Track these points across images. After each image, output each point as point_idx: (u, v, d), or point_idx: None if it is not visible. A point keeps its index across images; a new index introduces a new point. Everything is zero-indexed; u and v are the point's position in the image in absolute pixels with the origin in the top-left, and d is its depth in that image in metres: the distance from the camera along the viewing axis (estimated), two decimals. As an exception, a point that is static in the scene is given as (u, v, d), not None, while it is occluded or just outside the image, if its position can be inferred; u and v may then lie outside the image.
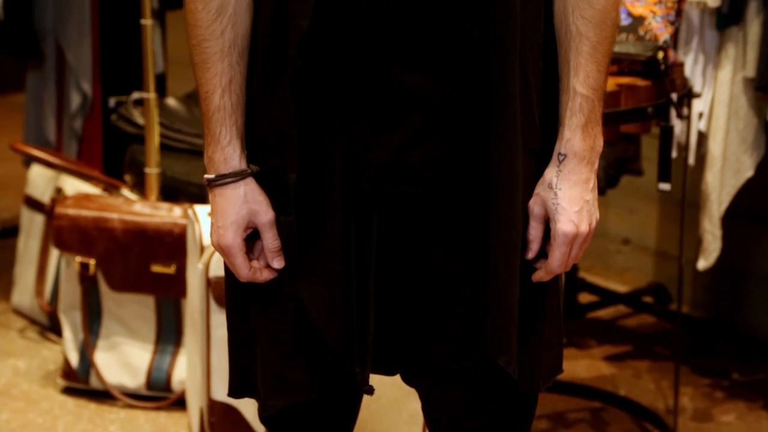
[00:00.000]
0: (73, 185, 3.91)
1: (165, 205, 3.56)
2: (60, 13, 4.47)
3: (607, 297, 4.26)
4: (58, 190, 3.94)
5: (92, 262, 3.53)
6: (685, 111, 3.28)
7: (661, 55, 3.19)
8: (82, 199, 3.62)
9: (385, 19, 1.78)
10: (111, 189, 3.86)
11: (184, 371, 3.52)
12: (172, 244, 3.48)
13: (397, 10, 1.77)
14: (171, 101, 4.15)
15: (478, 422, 1.91)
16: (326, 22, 1.78)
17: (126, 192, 3.86)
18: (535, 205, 1.86)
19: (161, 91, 4.56)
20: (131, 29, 4.11)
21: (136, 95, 4.03)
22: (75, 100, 4.51)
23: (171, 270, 3.48)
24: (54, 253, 3.92)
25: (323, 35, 1.79)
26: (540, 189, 1.86)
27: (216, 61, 1.86)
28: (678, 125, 3.37)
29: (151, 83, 3.68)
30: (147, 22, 3.66)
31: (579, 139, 1.83)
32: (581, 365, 3.90)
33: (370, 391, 1.92)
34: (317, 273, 1.85)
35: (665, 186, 3.25)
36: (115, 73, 4.53)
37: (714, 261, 3.59)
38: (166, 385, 3.58)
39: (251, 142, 1.89)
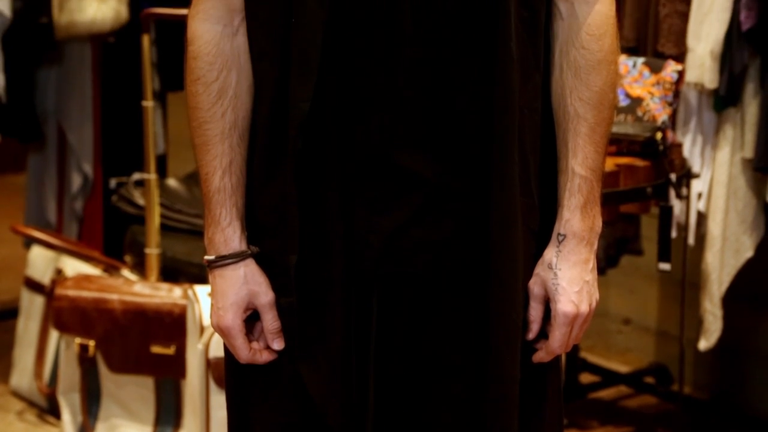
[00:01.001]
0: (73, 266, 3.91)
1: (165, 286, 3.56)
2: (62, 94, 4.50)
3: (609, 377, 4.24)
4: (59, 272, 3.94)
5: (92, 343, 3.52)
6: (684, 191, 3.29)
7: (659, 135, 3.21)
8: (82, 280, 3.62)
9: (384, 102, 1.79)
10: (111, 270, 3.86)
11: (183, 453, 3.49)
12: (172, 324, 3.47)
13: (396, 92, 1.79)
14: (172, 182, 4.17)
15: None
16: (326, 105, 1.80)
17: (126, 273, 3.86)
18: (535, 286, 1.86)
19: (162, 171, 4.58)
20: (133, 110, 4.14)
21: (136, 176, 4.05)
22: (76, 182, 4.53)
23: (171, 351, 3.47)
24: (53, 335, 3.91)
25: (323, 117, 1.80)
26: (540, 269, 1.86)
27: (217, 142, 1.87)
28: (677, 205, 3.37)
29: (152, 164, 3.70)
30: (148, 103, 3.68)
31: (578, 219, 1.84)
32: (583, 446, 3.88)
33: None
34: (318, 354, 1.84)
35: (665, 266, 3.25)
36: (116, 154, 4.55)
37: (715, 341, 3.58)
38: (165, 468, 3.55)
39: (251, 222, 1.90)
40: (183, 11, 2.84)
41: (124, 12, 4.28)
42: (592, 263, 1.86)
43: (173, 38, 4.40)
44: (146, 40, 3.64)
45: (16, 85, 4.14)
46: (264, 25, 1.84)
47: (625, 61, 3.30)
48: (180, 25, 2.06)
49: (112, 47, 4.50)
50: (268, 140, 1.84)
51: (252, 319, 1.90)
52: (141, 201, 4.04)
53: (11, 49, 4.00)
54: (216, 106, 1.86)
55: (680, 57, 3.58)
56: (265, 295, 1.87)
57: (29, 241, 4.16)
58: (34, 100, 4.38)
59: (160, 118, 4.59)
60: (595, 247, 1.86)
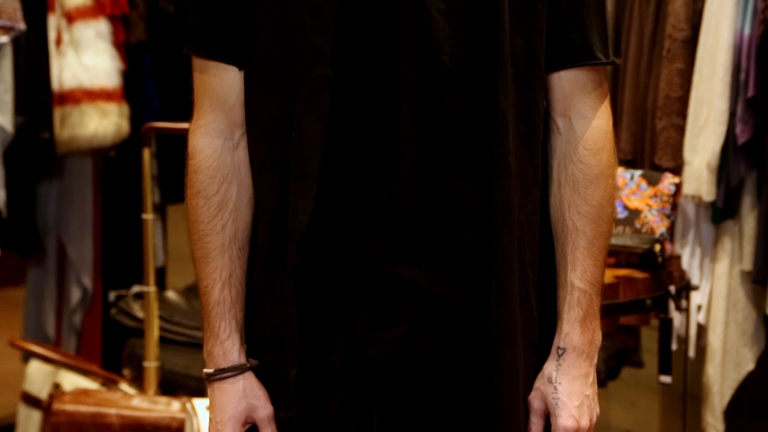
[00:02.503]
0: (71, 380, 3.88)
1: (163, 399, 3.53)
2: (62, 208, 4.51)
3: (611, 492, 4.20)
4: (56, 386, 3.91)
5: (89, 458, 3.49)
6: (683, 303, 3.28)
7: (658, 247, 3.21)
8: (80, 394, 3.60)
9: (383, 215, 1.80)
10: (109, 384, 3.84)
11: None
12: (170, 439, 3.44)
13: (395, 206, 1.80)
14: (171, 294, 4.16)
15: None
16: (326, 218, 1.80)
17: (125, 386, 3.84)
18: (535, 400, 1.85)
19: (161, 284, 4.58)
20: (133, 223, 4.15)
21: (136, 289, 4.04)
22: (75, 295, 4.53)
23: (168, 465, 3.44)
24: (50, 450, 3.88)
25: (323, 230, 1.81)
26: (540, 383, 1.85)
27: (216, 255, 1.87)
28: (677, 317, 3.37)
29: (151, 277, 3.70)
30: (148, 216, 3.69)
31: (578, 333, 1.84)
32: None
33: None
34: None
35: (666, 379, 3.24)
36: (115, 266, 4.55)
37: (718, 455, 3.55)
38: None
39: (251, 335, 1.89)
40: (184, 125, 2.86)
41: (125, 126, 4.32)
42: (592, 377, 1.85)
43: (174, 151, 4.43)
44: (147, 154, 3.66)
45: (17, 200, 4.16)
46: (264, 139, 1.85)
47: (622, 174, 3.32)
48: (181, 138, 2.08)
49: (113, 160, 4.53)
50: (268, 253, 1.85)
51: (251, 433, 1.88)
52: (140, 314, 4.03)
53: (12, 164, 4.02)
54: (216, 218, 1.87)
55: (677, 170, 3.61)
56: (263, 409, 1.86)
57: (27, 356, 4.14)
58: (34, 214, 4.39)
59: (160, 230, 4.60)
60: (595, 360, 1.86)
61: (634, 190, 3.32)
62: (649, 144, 3.73)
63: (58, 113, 4.16)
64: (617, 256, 3.25)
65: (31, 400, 4.02)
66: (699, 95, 3.57)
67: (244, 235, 1.89)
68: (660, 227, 3.24)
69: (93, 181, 4.52)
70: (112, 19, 4.26)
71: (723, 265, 3.54)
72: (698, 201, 3.56)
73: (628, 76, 3.78)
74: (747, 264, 3.49)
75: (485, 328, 1.80)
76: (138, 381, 3.87)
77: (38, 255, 4.54)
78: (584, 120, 1.86)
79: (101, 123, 4.25)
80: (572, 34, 1.84)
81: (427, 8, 1.76)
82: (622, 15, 3.80)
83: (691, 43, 3.62)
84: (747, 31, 3.48)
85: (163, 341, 3.86)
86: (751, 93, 3.47)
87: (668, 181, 3.33)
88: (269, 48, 1.82)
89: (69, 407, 3.53)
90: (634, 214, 3.26)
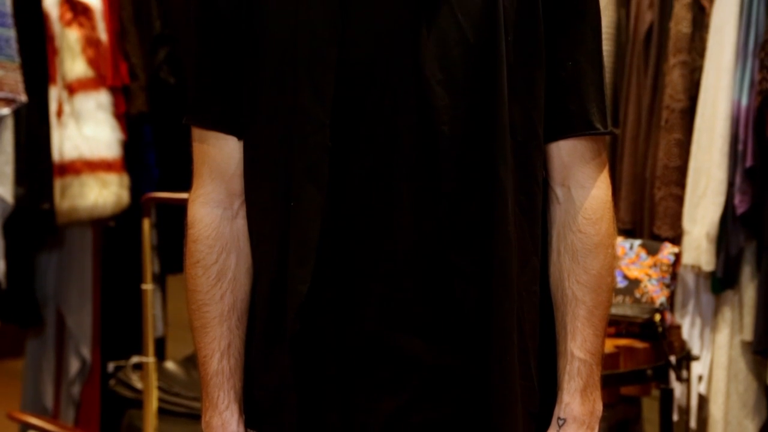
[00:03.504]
0: (69, 451, 3.86)
1: (161, 472, 3.51)
2: (62, 279, 4.51)
3: None
4: (54, 457, 3.89)
5: None
6: (684, 374, 3.27)
7: (658, 317, 3.21)
8: (78, 465, 3.57)
9: (381, 285, 1.80)
10: (107, 455, 3.81)
11: None
12: None
13: (394, 276, 1.79)
14: (170, 365, 4.15)
15: None
16: (324, 288, 1.80)
17: (122, 458, 3.81)
18: (536, 470, 1.84)
19: (160, 354, 4.56)
20: (132, 293, 4.14)
21: (135, 359, 4.03)
22: (74, 366, 4.51)
23: None
24: None
25: (321, 301, 1.80)
26: (541, 454, 1.84)
27: (215, 325, 1.87)
28: (678, 388, 3.36)
29: (151, 348, 3.69)
30: (148, 287, 3.69)
31: (578, 403, 1.83)
32: None
33: None
34: None
35: (668, 450, 3.22)
36: (114, 337, 4.54)
37: None
38: None
39: (249, 405, 1.88)
40: (183, 195, 2.87)
41: (125, 196, 4.33)
42: (593, 447, 1.84)
43: (173, 221, 4.43)
44: (147, 224, 3.67)
45: (17, 270, 4.15)
46: (263, 209, 1.86)
47: (621, 243, 3.33)
48: (181, 208, 2.08)
49: (113, 230, 4.54)
50: (267, 322, 1.85)
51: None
52: (139, 385, 4.01)
53: (12, 235, 4.03)
54: (215, 288, 1.87)
55: (676, 239, 3.61)
56: (262, 480, 1.85)
57: (25, 428, 4.12)
58: (33, 285, 4.39)
59: (159, 300, 4.60)
60: (596, 431, 1.85)
61: (633, 259, 3.32)
62: (648, 213, 3.74)
63: (58, 184, 4.17)
64: (617, 325, 3.24)
65: (28, 472, 4.00)
66: (697, 165, 3.58)
67: (242, 305, 1.89)
68: (660, 297, 3.23)
69: (93, 252, 4.52)
70: (113, 90, 4.28)
71: (723, 335, 3.54)
72: (698, 270, 3.56)
73: (626, 145, 3.80)
74: (747, 334, 3.48)
75: (485, 398, 1.80)
76: (136, 452, 3.85)
77: (37, 326, 4.53)
78: (583, 189, 1.86)
79: (101, 193, 4.26)
80: (570, 104, 1.85)
81: (426, 78, 1.77)
82: (620, 85, 3.82)
83: (689, 113, 3.63)
84: (744, 102, 3.50)
85: (162, 412, 3.84)
86: (749, 163, 3.48)
87: (667, 250, 3.33)
88: (268, 118, 1.82)
89: (66, 479, 3.50)
90: (634, 283, 3.26)
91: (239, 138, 1.87)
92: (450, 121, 1.77)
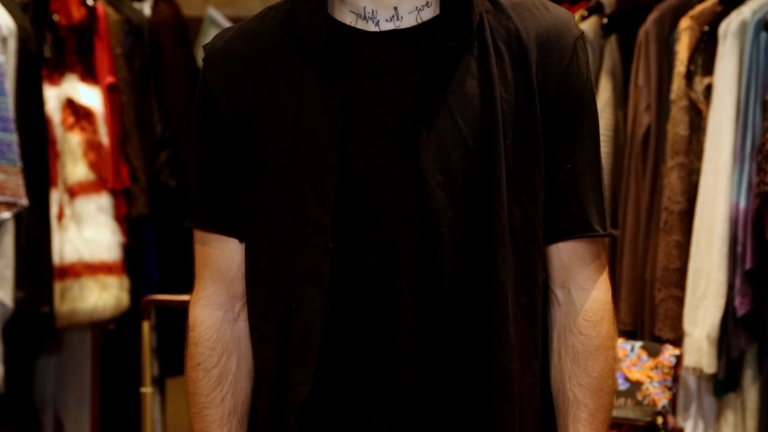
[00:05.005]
0: None
1: None
2: (60, 383, 4.49)
3: None
4: None
5: None
6: (687, 478, 3.25)
7: (660, 420, 3.19)
8: None
9: (382, 387, 1.79)
10: None
11: None
12: None
13: (395, 378, 1.79)
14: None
15: None
16: (325, 390, 1.79)
17: None
18: None
19: (159, 460, 4.52)
20: (131, 397, 4.12)
21: (133, 464, 4.00)
22: (71, 473, 4.47)
23: None
24: None
25: (323, 402, 1.80)
26: None
27: (215, 428, 1.86)
28: (682, 492, 3.32)
29: (149, 452, 3.66)
30: (147, 390, 3.68)
31: (581, 505, 1.82)
32: None
33: None
34: None
35: None
36: (113, 441, 4.51)
37: None
38: None
39: None
40: (184, 297, 2.88)
41: (125, 299, 4.32)
42: None
43: (173, 323, 4.42)
44: (146, 327, 3.67)
45: (15, 375, 4.13)
46: (264, 310, 1.86)
47: (622, 345, 3.32)
48: (180, 310, 2.08)
49: (112, 333, 4.52)
50: (268, 424, 1.84)
51: None
52: (137, 490, 3.97)
53: (12, 338, 4.01)
54: (215, 391, 1.86)
55: (677, 341, 3.60)
56: None
57: None
58: (32, 388, 4.37)
59: (158, 404, 4.57)
60: None
61: (634, 361, 3.31)
62: (649, 315, 3.73)
63: (58, 287, 4.17)
64: (619, 428, 3.22)
65: None
66: (697, 267, 3.58)
67: (243, 407, 1.88)
68: (662, 399, 3.22)
69: (92, 355, 4.50)
70: (114, 193, 4.30)
71: (726, 439, 3.51)
72: (699, 373, 3.55)
73: (626, 247, 3.81)
74: (750, 438, 3.46)
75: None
76: None
77: (35, 430, 4.49)
78: (583, 291, 1.87)
79: (101, 296, 4.26)
80: (570, 206, 1.86)
81: (425, 180, 1.78)
82: (619, 187, 3.84)
83: (687, 215, 3.65)
84: (743, 204, 3.52)
85: None
86: (748, 265, 3.48)
87: (669, 352, 3.33)
88: (270, 220, 1.83)
89: None
90: (636, 385, 3.24)
91: (241, 240, 1.88)
92: (450, 223, 1.78)
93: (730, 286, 3.53)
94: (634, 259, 3.78)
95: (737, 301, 3.50)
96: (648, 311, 3.73)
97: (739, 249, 3.50)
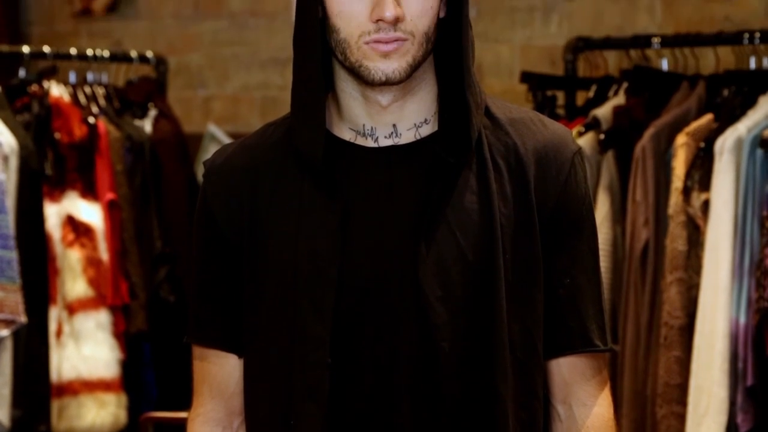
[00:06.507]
0: None
1: None
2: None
3: None
4: None
5: None
6: None
7: None
8: None
9: None
10: None
11: None
12: None
13: None
14: None
15: None
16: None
17: None
18: None
19: None
20: None
21: None
22: None
23: None
24: None
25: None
26: None
27: None
28: None
29: None
30: None
31: None
32: None
33: None
34: None
35: None
36: None
37: None
38: None
39: None
40: (182, 414, 2.85)
41: (122, 417, 4.30)
42: None
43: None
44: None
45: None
46: (263, 426, 1.85)
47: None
48: (179, 427, 2.07)
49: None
50: None
51: None
52: None
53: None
54: None
55: (680, 453, 3.57)
56: None
57: None
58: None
59: None
60: None
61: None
62: (651, 431, 3.71)
63: (55, 405, 4.15)
64: None
65: None
66: (698, 383, 3.56)
67: None
68: None
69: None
70: (113, 309, 4.29)
71: None
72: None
73: (626, 362, 3.79)
74: None
75: None
76: None
77: None
78: (585, 407, 1.86)
79: (99, 414, 4.23)
80: (570, 321, 1.86)
81: (425, 295, 1.78)
82: (618, 302, 3.84)
83: (687, 330, 3.64)
84: (742, 320, 3.51)
85: None
86: (749, 382, 3.46)
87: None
88: (269, 335, 1.83)
89: None
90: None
91: (240, 356, 1.88)
92: (450, 338, 1.78)
93: (732, 403, 3.51)
94: (634, 375, 3.76)
95: (739, 418, 3.48)
96: (650, 427, 3.70)
97: (740, 365, 3.49)
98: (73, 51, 4.51)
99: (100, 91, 4.49)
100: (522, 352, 1.82)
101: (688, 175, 3.63)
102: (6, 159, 3.93)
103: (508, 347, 1.80)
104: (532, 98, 3.94)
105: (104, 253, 4.29)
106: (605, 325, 1.89)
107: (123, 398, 4.31)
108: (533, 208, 1.83)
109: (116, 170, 4.37)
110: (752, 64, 3.71)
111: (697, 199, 3.62)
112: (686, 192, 3.63)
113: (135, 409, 4.33)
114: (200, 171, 2.42)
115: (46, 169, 4.20)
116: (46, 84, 4.32)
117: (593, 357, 1.88)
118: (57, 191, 4.23)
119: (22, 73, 4.37)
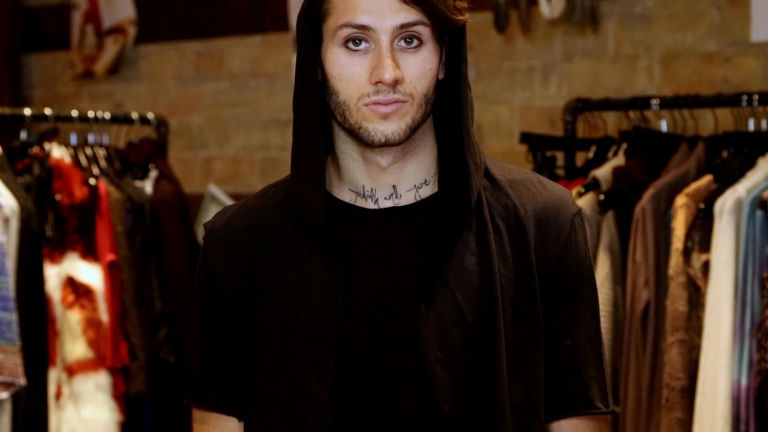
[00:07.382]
0: None
1: None
2: None
3: None
4: None
5: None
6: None
7: None
8: None
9: None
10: None
11: None
12: None
13: None
14: None
15: None
16: None
17: None
18: None
19: None
20: None
21: None
22: None
23: None
24: None
25: None
26: None
27: None
28: None
29: None
30: None
31: None
32: None
33: None
34: None
35: None
36: None
37: None
38: None
39: None
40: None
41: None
42: None
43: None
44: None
45: None
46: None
47: None
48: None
49: None
50: None
51: None
52: None
53: None
54: None
55: None
56: None
57: None
58: None
59: None
60: None
61: None
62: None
63: (54, 468, 4.13)
64: None
65: None
66: (700, 445, 3.55)
67: None
68: None
69: None
70: (113, 371, 4.28)
71: None
72: None
73: (628, 424, 3.77)
74: None
75: None
76: None
77: None
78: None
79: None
80: (571, 383, 1.85)
81: (425, 357, 1.78)
82: (619, 363, 3.83)
83: (689, 392, 3.63)
84: (744, 381, 3.50)
85: None
86: (752, 443, 3.45)
87: None
88: (269, 397, 1.83)
89: None
90: None
91: (240, 419, 1.87)
92: (451, 400, 1.77)
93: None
94: (636, 437, 3.74)
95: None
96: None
97: (742, 427, 3.47)
98: (74, 113, 4.53)
99: (101, 153, 4.50)
100: (523, 414, 1.81)
101: (688, 236, 3.64)
102: (6, 221, 3.93)
103: (509, 409, 1.79)
104: (532, 159, 3.95)
105: (104, 314, 4.28)
106: (606, 387, 1.88)
107: (122, 461, 4.29)
108: (533, 270, 1.83)
109: (117, 231, 4.37)
110: (751, 125, 3.72)
111: (697, 260, 3.62)
112: (686, 253, 3.63)
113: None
114: (201, 232, 2.43)
115: (47, 231, 4.20)
116: (47, 146, 4.33)
117: (595, 419, 1.87)
118: (57, 252, 4.23)
119: (23, 135, 4.38)
